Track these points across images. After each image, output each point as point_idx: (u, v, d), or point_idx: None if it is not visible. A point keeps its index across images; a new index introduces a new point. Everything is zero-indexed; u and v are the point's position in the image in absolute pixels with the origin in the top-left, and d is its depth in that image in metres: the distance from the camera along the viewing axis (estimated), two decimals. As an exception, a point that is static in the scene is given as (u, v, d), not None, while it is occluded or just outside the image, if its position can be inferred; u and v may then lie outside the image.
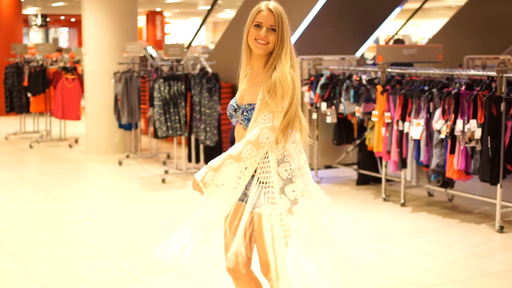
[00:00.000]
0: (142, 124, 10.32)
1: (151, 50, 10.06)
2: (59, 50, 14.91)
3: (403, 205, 6.65)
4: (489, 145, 5.63)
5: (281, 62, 2.85)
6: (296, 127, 2.92)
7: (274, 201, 2.86)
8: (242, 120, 2.95)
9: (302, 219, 2.92)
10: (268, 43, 2.86)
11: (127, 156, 9.34)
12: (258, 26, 2.86)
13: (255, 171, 2.90)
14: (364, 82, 7.18)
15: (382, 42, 23.28)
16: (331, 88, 7.46)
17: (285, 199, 2.87)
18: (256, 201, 2.88)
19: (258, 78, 2.93)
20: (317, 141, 7.90)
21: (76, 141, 10.98)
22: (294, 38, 10.23)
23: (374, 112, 6.76)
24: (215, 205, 2.88)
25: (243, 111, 2.93)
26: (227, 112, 3.03)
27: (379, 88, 6.71)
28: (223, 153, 2.86)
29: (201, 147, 8.31)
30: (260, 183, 2.89)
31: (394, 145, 6.51)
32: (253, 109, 2.89)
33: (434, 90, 6.14)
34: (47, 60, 11.18)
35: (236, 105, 2.97)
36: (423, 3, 14.96)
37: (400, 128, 6.41)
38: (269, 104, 2.81)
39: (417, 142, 6.28)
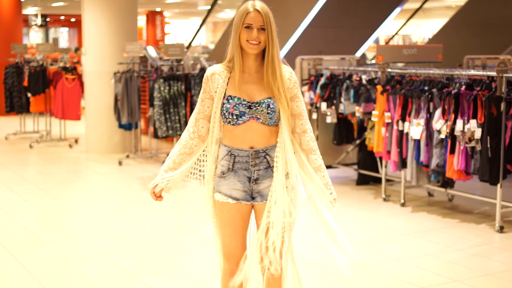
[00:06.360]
0: (142, 124, 10.32)
1: (152, 51, 10.05)
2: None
3: (403, 205, 6.65)
4: (488, 145, 5.63)
5: (278, 58, 2.99)
6: None
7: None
8: (266, 113, 2.97)
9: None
10: (260, 42, 2.95)
11: (127, 156, 9.34)
12: (249, 27, 2.94)
13: (268, 163, 3.03)
14: (364, 82, 7.18)
15: (382, 42, 23.28)
16: (331, 88, 7.46)
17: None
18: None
19: (259, 74, 3.01)
20: (317, 141, 7.88)
21: (76, 141, 10.98)
22: (294, 38, 10.24)
23: (374, 112, 6.76)
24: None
25: (268, 105, 2.97)
26: (231, 113, 2.97)
27: (379, 88, 6.71)
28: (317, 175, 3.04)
29: (201, 147, 8.30)
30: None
31: (394, 145, 6.51)
32: (274, 102, 2.99)
33: (434, 90, 6.14)
34: (47, 60, 11.18)
35: (248, 102, 2.98)
36: (423, 3, 14.97)
37: (400, 128, 6.41)
38: (294, 93, 3.03)
39: (417, 142, 6.28)
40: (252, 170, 2.99)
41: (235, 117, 2.97)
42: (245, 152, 2.98)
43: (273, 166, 3.00)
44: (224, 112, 2.98)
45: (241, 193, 3.02)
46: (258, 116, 2.97)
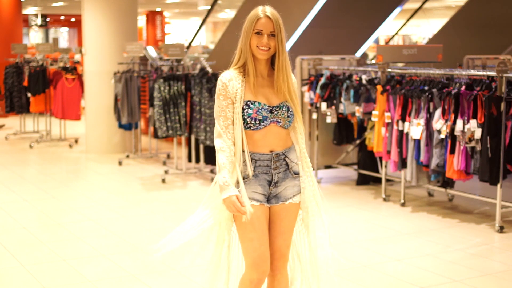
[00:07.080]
0: (142, 124, 10.32)
1: (152, 51, 10.05)
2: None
3: (403, 205, 6.65)
4: (488, 145, 5.63)
5: (288, 63, 3.05)
6: None
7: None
8: (287, 117, 3.02)
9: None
10: (270, 48, 2.99)
11: (127, 156, 9.34)
12: (259, 33, 2.97)
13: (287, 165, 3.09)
14: (364, 82, 7.18)
15: (382, 42, 23.28)
16: (331, 88, 7.46)
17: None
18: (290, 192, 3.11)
19: (271, 78, 3.06)
20: (317, 141, 7.89)
21: (76, 141, 10.98)
22: (294, 38, 10.24)
23: (374, 112, 6.76)
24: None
25: (288, 108, 3.03)
26: (254, 118, 2.97)
27: (379, 88, 6.71)
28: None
29: (201, 147, 8.31)
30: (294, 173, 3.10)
31: (394, 145, 6.51)
32: (290, 105, 3.04)
33: (434, 90, 6.14)
34: (47, 60, 11.19)
35: (269, 106, 3.00)
36: (423, 3, 14.96)
37: (400, 128, 6.41)
38: (296, 100, 3.09)
39: (417, 142, 6.28)
40: (273, 174, 3.03)
41: (257, 122, 2.98)
42: (266, 156, 3.01)
43: (291, 168, 3.06)
44: (246, 117, 2.97)
45: (261, 196, 3.05)
46: (278, 120, 3.01)
